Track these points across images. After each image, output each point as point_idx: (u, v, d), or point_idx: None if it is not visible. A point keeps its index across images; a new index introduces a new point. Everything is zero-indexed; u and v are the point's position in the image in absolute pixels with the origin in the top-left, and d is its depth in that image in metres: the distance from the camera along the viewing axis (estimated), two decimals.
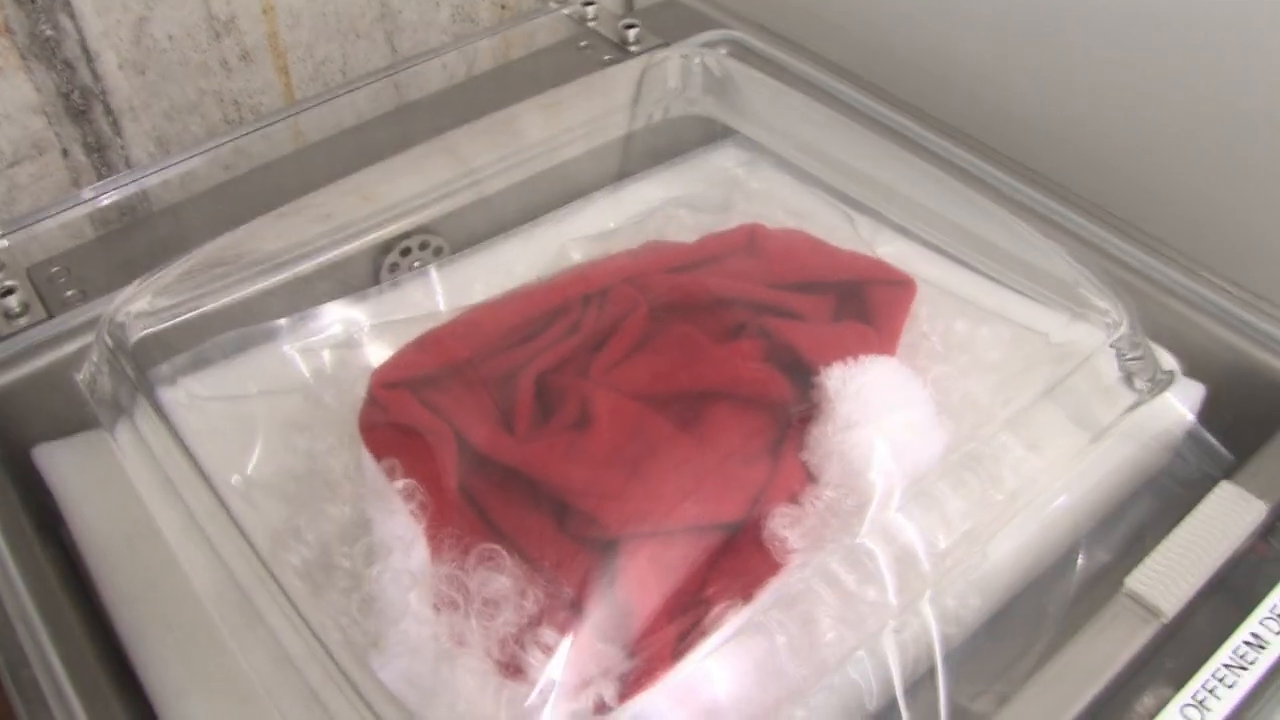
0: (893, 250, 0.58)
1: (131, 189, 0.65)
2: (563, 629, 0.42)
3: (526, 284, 0.55)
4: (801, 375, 0.50)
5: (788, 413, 0.49)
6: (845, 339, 0.50)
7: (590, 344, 0.51)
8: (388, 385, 0.49)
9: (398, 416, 0.48)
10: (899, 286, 0.53)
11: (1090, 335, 0.51)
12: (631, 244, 0.58)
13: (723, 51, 0.72)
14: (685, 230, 0.60)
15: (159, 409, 0.48)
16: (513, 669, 0.42)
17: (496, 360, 0.51)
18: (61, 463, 0.53)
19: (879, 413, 0.47)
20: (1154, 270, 0.59)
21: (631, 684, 0.40)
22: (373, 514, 0.45)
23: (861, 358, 0.49)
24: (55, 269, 0.59)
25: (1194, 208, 0.68)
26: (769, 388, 0.49)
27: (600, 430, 0.48)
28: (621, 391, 0.49)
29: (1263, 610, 0.45)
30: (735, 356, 0.50)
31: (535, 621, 0.43)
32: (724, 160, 0.68)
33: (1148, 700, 0.44)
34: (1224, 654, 0.44)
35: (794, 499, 0.46)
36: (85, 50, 0.74)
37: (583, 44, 0.76)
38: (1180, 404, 0.53)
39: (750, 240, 0.56)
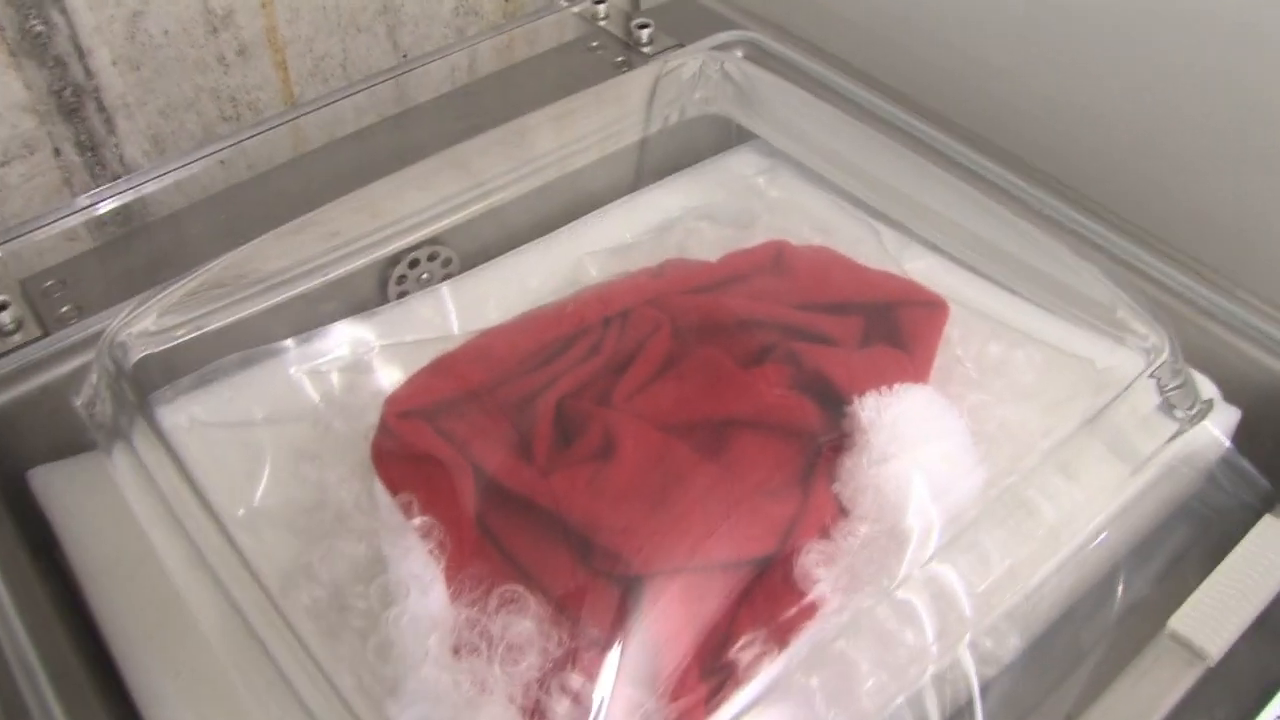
0: (921, 266, 0.57)
1: (128, 195, 0.63)
2: (590, 673, 0.40)
3: (544, 305, 0.53)
4: (831, 403, 0.48)
5: (817, 442, 0.47)
6: (878, 365, 0.49)
7: (611, 368, 0.50)
8: (402, 414, 0.47)
9: (413, 447, 0.46)
10: (931, 308, 0.52)
11: (1129, 361, 0.49)
12: (652, 258, 0.56)
13: (739, 54, 0.70)
14: (706, 245, 0.58)
15: (160, 434, 0.46)
16: (538, 717, 0.40)
17: (514, 385, 0.49)
18: (57, 486, 0.52)
19: (915, 444, 0.46)
20: (1185, 288, 0.57)
21: None
22: (388, 552, 0.44)
23: (895, 386, 0.47)
24: (50, 282, 0.57)
25: (1228, 224, 0.66)
26: (797, 416, 0.48)
27: (624, 461, 0.46)
28: (644, 419, 0.47)
29: None
30: (761, 383, 0.48)
31: (561, 666, 0.41)
32: (742, 167, 0.67)
33: None
34: (1278, 703, 0.42)
35: (826, 534, 0.45)
36: (77, 46, 0.71)
37: (594, 44, 0.74)
38: (1217, 429, 0.52)
39: (776, 258, 0.54)
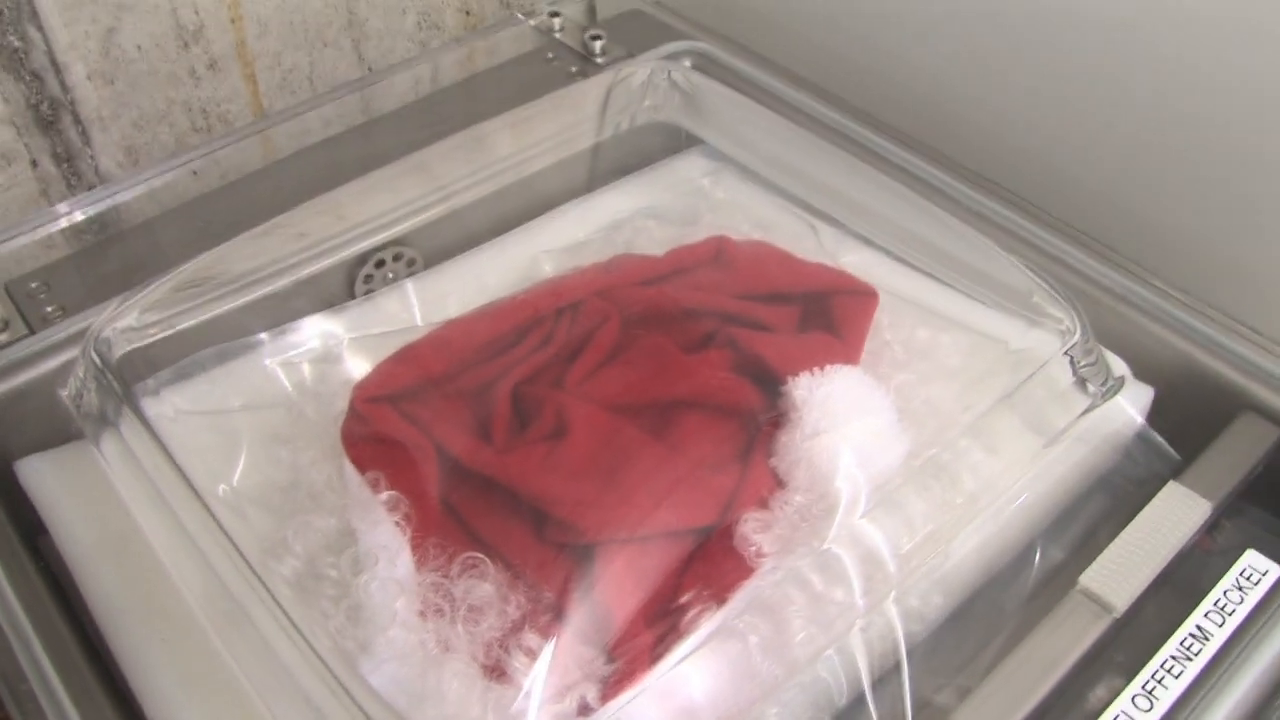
0: (855, 260, 0.60)
1: (105, 204, 0.66)
2: (545, 633, 0.44)
3: (500, 298, 0.56)
4: (769, 384, 0.51)
5: (756, 420, 0.51)
6: (811, 349, 0.52)
7: (564, 355, 0.53)
8: (369, 400, 0.50)
9: (380, 430, 0.49)
10: (862, 296, 0.55)
11: (1045, 343, 0.53)
12: (601, 255, 0.60)
13: (687, 64, 0.73)
14: (654, 242, 0.62)
15: (145, 423, 0.49)
16: (498, 673, 0.43)
17: (473, 373, 0.52)
18: (45, 474, 0.54)
19: (844, 420, 0.49)
20: (1104, 276, 0.61)
21: (612, 686, 0.42)
22: (357, 524, 0.47)
23: (827, 367, 0.51)
24: (34, 284, 0.60)
25: (1142, 215, 0.70)
26: (737, 396, 0.51)
27: (576, 440, 0.49)
28: (595, 402, 0.51)
29: (1206, 605, 0.48)
30: (704, 367, 0.52)
31: (518, 626, 0.44)
32: (689, 170, 0.70)
33: (1101, 691, 0.47)
34: (1171, 646, 0.46)
35: (763, 504, 0.48)
36: (53, 61, 0.74)
37: (549, 55, 0.78)
38: (1130, 407, 0.55)
39: (718, 253, 0.58)
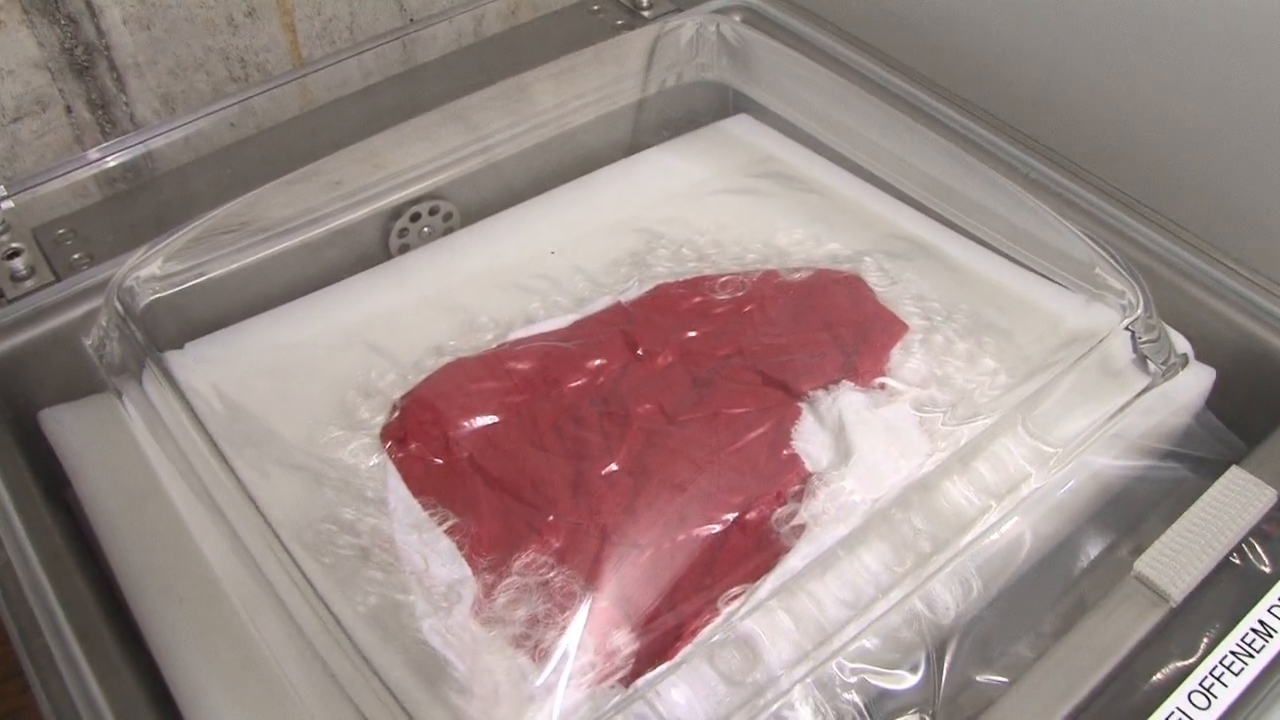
0: (909, 225, 0.58)
1: (138, 150, 0.64)
2: (581, 612, 0.43)
3: (563, 343, 0.55)
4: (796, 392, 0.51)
5: (790, 406, 0.50)
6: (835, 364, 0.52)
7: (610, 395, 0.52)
8: (413, 404, 0.50)
9: (419, 418, 0.49)
10: (896, 326, 0.54)
11: (1106, 316, 0.51)
12: (638, 247, 0.59)
13: (737, 19, 0.71)
14: (695, 211, 0.60)
15: (168, 375, 0.48)
16: (535, 649, 0.42)
17: (521, 391, 0.52)
18: (68, 426, 0.53)
19: (882, 403, 0.48)
20: (1167, 252, 0.58)
21: (643, 663, 0.41)
22: (391, 497, 0.46)
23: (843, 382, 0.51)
24: (61, 230, 0.59)
25: (1210, 190, 0.68)
26: (767, 400, 0.50)
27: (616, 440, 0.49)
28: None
29: (1270, 598, 0.45)
30: (734, 383, 0.51)
31: (556, 605, 0.43)
32: (738, 130, 0.68)
33: (1154, 683, 0.44)
34: (1231, 641, 0.44)
35: (796, 496, 0.47)
36: (89, 5, 0.73)
37: (595, 8, 0.75)
38: (1192, 388, 0.53)
39: (761, 303, 0.56)
